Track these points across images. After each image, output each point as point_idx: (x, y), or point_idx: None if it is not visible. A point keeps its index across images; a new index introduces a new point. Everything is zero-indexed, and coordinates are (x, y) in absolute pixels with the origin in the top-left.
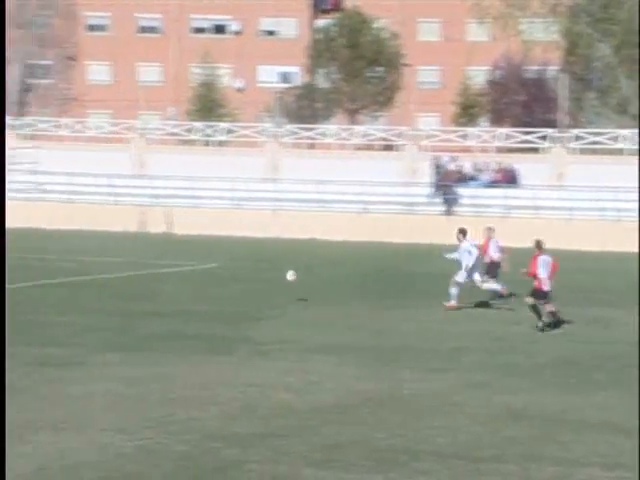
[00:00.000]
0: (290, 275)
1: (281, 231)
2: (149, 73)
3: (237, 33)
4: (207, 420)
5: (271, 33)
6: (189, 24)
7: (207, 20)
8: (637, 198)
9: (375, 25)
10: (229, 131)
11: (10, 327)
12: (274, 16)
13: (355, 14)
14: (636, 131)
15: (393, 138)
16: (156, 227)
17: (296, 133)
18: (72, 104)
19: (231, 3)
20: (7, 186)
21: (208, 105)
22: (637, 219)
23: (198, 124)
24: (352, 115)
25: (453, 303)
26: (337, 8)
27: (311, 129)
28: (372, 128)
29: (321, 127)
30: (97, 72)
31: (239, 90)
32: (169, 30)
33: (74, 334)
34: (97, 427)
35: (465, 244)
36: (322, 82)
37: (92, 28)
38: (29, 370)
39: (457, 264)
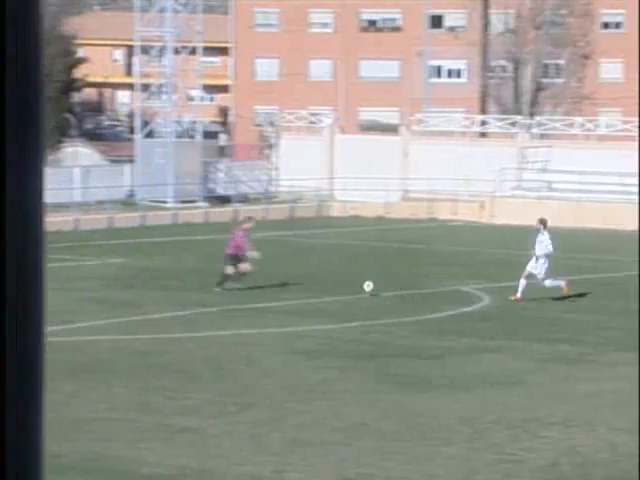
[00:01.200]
0: (367, 286)
1: None
2: None
3: None
4: None
5: None
6: None
7: None
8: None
9: None
10: None
11: (522, 323)
12: None
13: None
14: None
15: None
16: None
17: None
18: (584, 103)
19: None
20: (519, 184)
21: None
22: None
23: None
24: None
25: (519, 296)
26: None
27: None
28: None
29: None
30: (610, 70)
31: None
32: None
33: (584, 332)
34: (607, 426)
35: (545, 236)
36: None
37: (606, 26)
38: (539, 366)
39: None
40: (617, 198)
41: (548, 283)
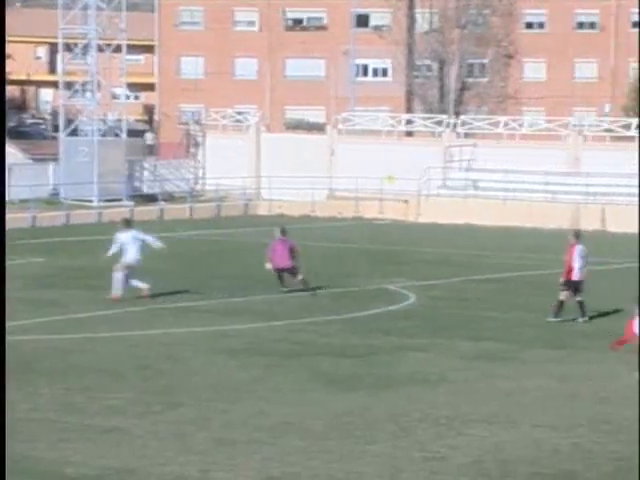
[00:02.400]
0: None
1: None
2: (585, 69)
3: None
4: None
5: None
6: (629, 18)
7: None
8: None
9: None
10: None
11: (447, 321)
12: None
13: None
14: None
15: None
16: (589, 224)
17: None
18: (508, 102)
19: None
20: (445, 183)
21: None
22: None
23: (635, 120)
24: None
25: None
26: None
27: None
28: None
29: None
30: (533, 69)
31: None
32: (607, 25)
33: (508, 329)
34: (530, 423)
35: (131, 234)
36: None
37: (529, 26)
38: (464, 364)
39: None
40: (541, 197)
41: (134, 283)
